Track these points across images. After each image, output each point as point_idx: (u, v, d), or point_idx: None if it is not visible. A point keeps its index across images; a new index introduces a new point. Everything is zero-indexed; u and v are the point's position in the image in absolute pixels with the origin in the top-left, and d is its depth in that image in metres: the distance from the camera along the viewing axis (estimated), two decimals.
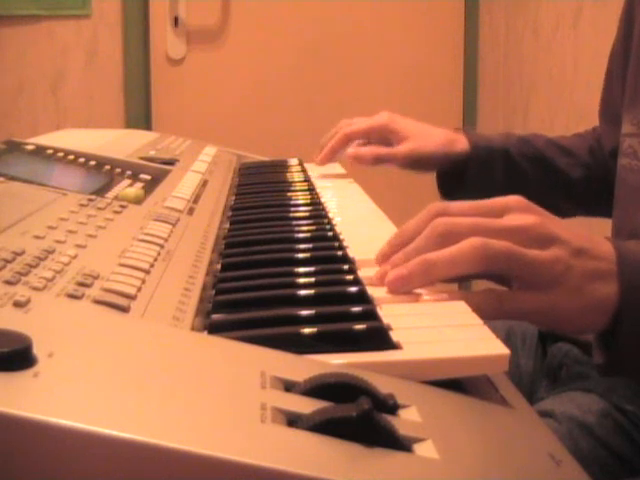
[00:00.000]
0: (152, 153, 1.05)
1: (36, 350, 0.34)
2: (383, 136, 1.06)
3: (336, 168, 1.14)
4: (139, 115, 2.42)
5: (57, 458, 0.30)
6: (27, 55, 2.31)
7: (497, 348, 0.45)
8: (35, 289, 0.43)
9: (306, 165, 1.14)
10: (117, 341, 0.40)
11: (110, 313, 0.44)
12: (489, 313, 0.52)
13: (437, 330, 0.48)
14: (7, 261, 0.47)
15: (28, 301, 0.41)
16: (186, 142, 1.22)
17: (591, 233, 0.60)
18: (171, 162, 0.99)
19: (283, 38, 2.50)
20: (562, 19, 1.95)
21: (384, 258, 0.59)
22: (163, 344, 0.41)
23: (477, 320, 0.49)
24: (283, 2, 2.49)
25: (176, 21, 2.43)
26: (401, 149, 1.03)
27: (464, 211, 0.58)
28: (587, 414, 0.80)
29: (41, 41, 2.32)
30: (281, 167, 1.14)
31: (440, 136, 1.04)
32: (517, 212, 0.57)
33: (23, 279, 0.44)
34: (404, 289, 0.54)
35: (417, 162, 1.03)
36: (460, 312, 0.51)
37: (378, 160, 1.03)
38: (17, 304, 0.40)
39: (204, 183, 0.92)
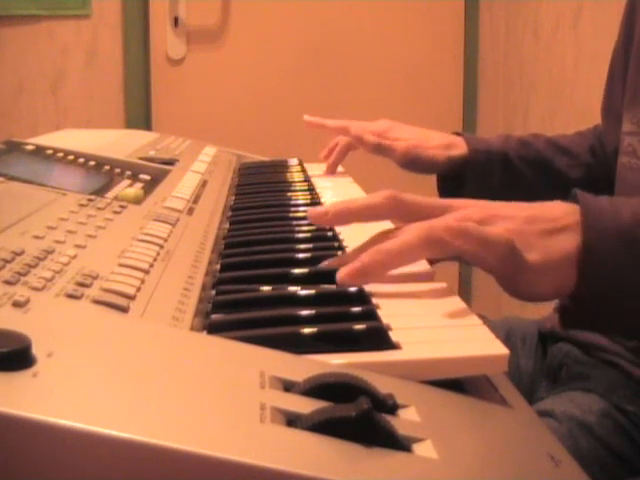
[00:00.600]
0: (152, 153, 1.05)
1: (35, 350, 0.34)
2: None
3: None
4: (139, 115, 2.42)
5: (56, 458, 0.30)
6: (27, 55, 2.31)
7: (496, 348, 0.45)
8: (34, 289, 0.43)
9: (306, 165, 1.14)
10: (116, 341, 0.40)
11: (109, 313, 0.44)
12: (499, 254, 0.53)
13: (437, 330, 0.48)
14: (7, 261, 0.47)
15: (27, 301, 0.41)
16: (186, 142, 1.22)
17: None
18: (171, 162, 0.99)
19: (283, 38, 2.50)
20: (562, 19, 1.95)
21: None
22: (162, 344, 0.41)
23: (477, 320, 0.49)
24: (283, 2, 2.49)
25: (176, 21, 2.43)
26: (401, 144, 1.03)
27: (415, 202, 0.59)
28: (587, 414, 0.80)
29: (41, 41, 2.32)
30: (281, 167, 1.14)
31: (439, 139, 1.05)
32: (459, 208, 0.58)
33: (22, 279, 0.44)
34: (360, 281, 0.54)
35: (415, 161, 1.03)
36: (460, 312, 0.51)
37: (378, 148, 1.04)
38: (16, 304, 0.40)
39: (204, 183, 0.92)
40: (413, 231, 0.54)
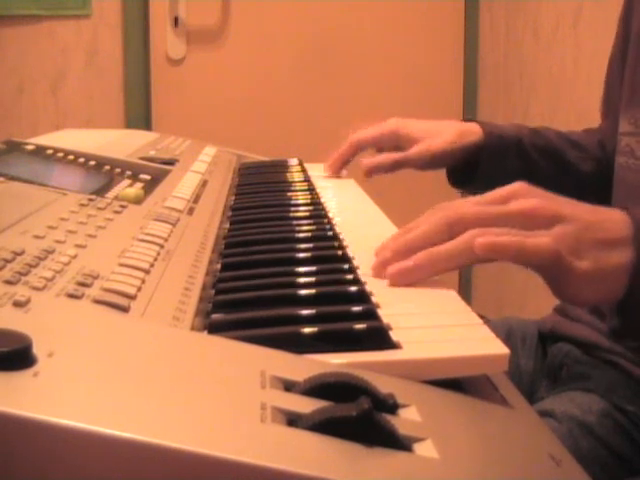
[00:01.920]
0: (152, 153, 1.05)
1: (36, 350, 0.34)
2: (394, 142, 1.05)
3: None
4: (139, 115, 2.42)
5: (57, 458, 0.30)
6: (27, 55, 2.31)
7: (497, 348, 0.45)
8: (35, 289, 0.43)
9: (306, 165, 1.13)
10: (117, 341, 0.40)
11: (110, 313, 0.44)
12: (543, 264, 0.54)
13: (437, 330, 0.48)
14: (7, 261, 0.47)
15: (28, 301, 0.41)
16: (186, 142, 1.22)
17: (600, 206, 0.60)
18: (171, 162, 0.99)
19: (283, 38, 2.50)
20: (562, 19, 1.95)
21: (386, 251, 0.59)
22: (163, 344, 0.41)
23: (477, 320, 0.49)
24: (283, 2, 2.49)
25: (176, 21, 2.43)
26: (414, 151, 1.01)
27: (470, 203, 0.59)
28: (587, 414, 0.80)
29: (41, 41, 2.32)
30: (281, 167, 1.14)
31: (451, 131, 1.03)
32: (521, 197, 0.58)
33: (23, 279, 0.44)
34: (407, 281, 0.55)
35: (432, 161, 1.02)
36: (460, 311, 0.51)
37: (396, 166, 1.02)
38: (17, 304, 0.40)
39: (204, 183, 0.92)
40: (467, 238, 0.55)
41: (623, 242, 0.57)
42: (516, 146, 1.03)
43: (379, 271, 0.57)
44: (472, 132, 1.03)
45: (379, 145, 1.07)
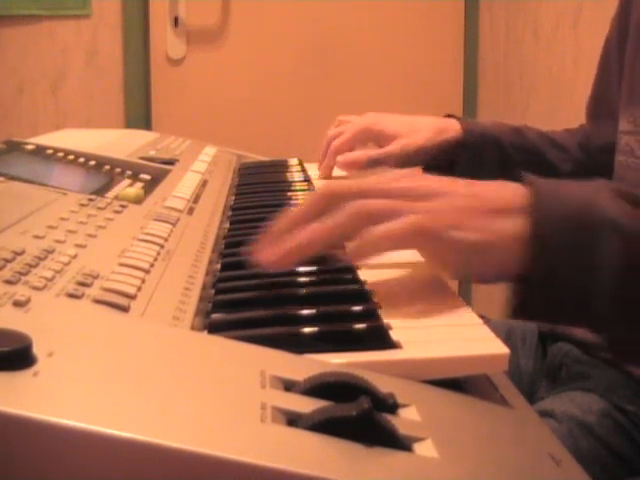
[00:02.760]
0: (152, 153, 1.05)
1: (36, 349, 0.34)
2: (370, 139, 1.04)
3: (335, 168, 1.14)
4: (139, 115, 2.42)
5: (57, 457, 0.30)
6: (27, 55, 2.31)
7: (497, 347, 0.45)
8: (35, 289, 0.43)
9: (306, 165, 1.13)
10: (117, 341, 0.40)
11: (110, 313, 0.44)
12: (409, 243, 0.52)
13: (437, 329, 0.48)
14: (7, 261, 0.47)
15: (28, 301, 0.41)
16: (186, 142, 1.22)
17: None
18: (171, 162, 0.99)
19: (283, 38, 2.50)
20: (562, 19, 1.95)
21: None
22: (163, 344, 0.41)
23: (477, 319, 0.49)
24: (283, 2, 2.49)
25: (176, 21, 2.43)
26: (391, 149, 1.01)
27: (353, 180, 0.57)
28: (587, 414, 0.80)
29: (41, 41, 2.32)
30: (281, 167, 1.14)
31: (429, 127, 1.02)
32: (405, 178, 0.56)
33: (23, 279, 0.44)
34: (286, 264, 0.53)
35: (408, 159, 1.01)
36: (460, 312, 0.51)
37: (371, 163, 1.02)
38: (17, 304, 0.40)
39: (204, 183, 0.92)
40: (347, 208, 0.52)
41: (515, 211, 0.52)
42: (495, 144, 1.02)
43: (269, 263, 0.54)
44: (451, 129, 1.02)
45: (357, 145, 1.05)
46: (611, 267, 0.50)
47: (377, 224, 0.51)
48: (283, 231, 0.55)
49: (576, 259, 0.51)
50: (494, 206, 0.53)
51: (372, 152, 1.02)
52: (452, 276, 0.55)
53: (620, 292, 0.51)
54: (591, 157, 1.03)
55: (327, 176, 1.06)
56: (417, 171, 0.55)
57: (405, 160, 1.01)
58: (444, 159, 1.02)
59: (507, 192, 0.54)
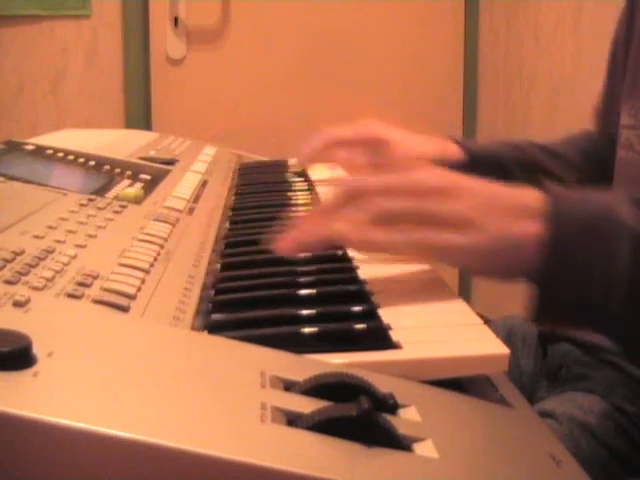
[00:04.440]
0: (152, 153, 1.05)
1: (36, 350, 0.34)
2: (370, 145, 1.02)
3: (336, 168, 1.13)
4: (139, 115, 2.42)
5: (57, 457, 0.30)
6: (27, 55, 2.31)
7: (497, 348, 0.45)
8: (35, 289, 0.43)
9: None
10: (117, 341, 0.40)
11: (110, 313, 0.44)
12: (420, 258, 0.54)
13: (437, 330, 0.48)
14: (7, 261, 0.47)
15: (28, 301, 0.41)
16: (186, 142, 1.22)
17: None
18: (171, 162, 0.99)
19: (283, 38, 2.50)
20: (562, 19, 1.95)
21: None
22: (163, 344, 0.41)
23: (477, 320, 0.49)
24: (283, 2, 2.49)
25: (176, 21, 2.43)
26: (395, 156, 1.00)
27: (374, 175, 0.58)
28: (588, 415, 0.80)
29: (41, 41, 2.32)
30: (281, 167, 1.14)
31: (431, 141, 1.01)
32: (424, 171, 0.57)
33: (23, 279, 0.44)
34: (302, 249, 0.56)
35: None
36: (460, 312, 0.51)
37: (373, 170, 1.01)
38: (17, 304, 0.40)
39: (204, 183, 0.92)
40: (364, 209, 0.54)
41: (532, 214, 0.53)
42: (497, 165, 1.01)
43: (289, 249, 0.57)
44: (450, 148, 1.01)
45: (354, 145, 1.04)
46: (627, 272, 0.51)
47: (399, 223, 0.53)
48: (304, 223, 0.57)
49: (593, 264, 0.52)
50: (513, 207, 0.54)
51: (378, 160, 1.01)
52: (471, 274, 0.57)
53: (636, 297, 0.51)
54: (594, 163, 1.02)
55: (307, 159, 1.01)
56: (429, 164, 0.56)
57: None
58: None
59: (525, 195, 0.55)
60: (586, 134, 1.07)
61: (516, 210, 0.54)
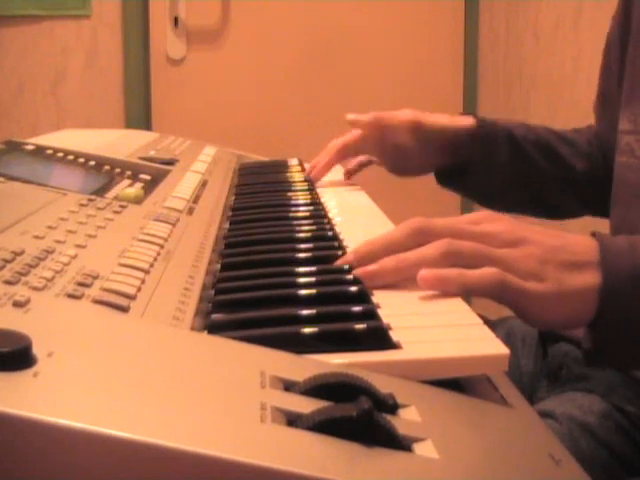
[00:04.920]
0: (152, 153, 1.05)
1: (36, 350, 0.34)
2: (378, 133, 1.01)
3: (336, 169, 1.13)
4: (139, 115, 2.42)
5: (57, 458, 0.30)
6: (27, 55, 2.32)
7: (497, 348, 0.45)
8: (35, 289, 0.43)
9: (306, 165, 1.13)
10: (117, 341, 0.40)
11: (110, 313, 0.44)
12: (489, 294, 0.54)
13: (437, 330, 0.48)
14: (7, 261, 0.47)
15: (28, 301, 0.41)
16: (186, 142, 1.22)
17: (568, 232, 0.61)
18: (171, 162, 0.99)
19: (283, 38, 2.50)
20: (562, 19, 1.95)
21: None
22: (163, 344, 0.41)
23: (477, 320, 0.49)
24: (283, 2, 2.49)
25: (176, 21, 2.43)
26: (402, 116, 0.99)
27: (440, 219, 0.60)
28: (588, 415, 0.80)
29: (41, 41, 2.32)
30: (281, 167, 1.14)
31: (443, 115, 1.01)
32: (488, 222, 0.60)
33: (23, 279, 0.44)
34: (372, 284, 0.55)
35: (420, 135, 0.98)
36: (460, 312, 0.51)
37: (377, 122, 0.99)
38: (17, 304, 0.40)
39: (204, 183, 0.92)
40: (438, 245, 0.56)
41: (589, 265, 0.57)
42: (507, 137, 1.01)
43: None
44: (463, 118, 1.01)
45: (363, 142, 1.03)
46: None
47: (463, 264, 0.55)
48: (373, 255, 0.58)
49: None
50: (569, 258, 0.57)
51: (384, 114, 1.00)
52: (527, 323, 0.59)
53: None
54: (600, 157, 1.02)
55: (320, 175, 1.02)
56: (490, 213, 0.60)
57: (417, 136, 0.99)
58: (455, 163, 1.01)
59: (579, 245, 0.59)
60: (590, 128, 1.07)
61: (572, 262, 0.57)
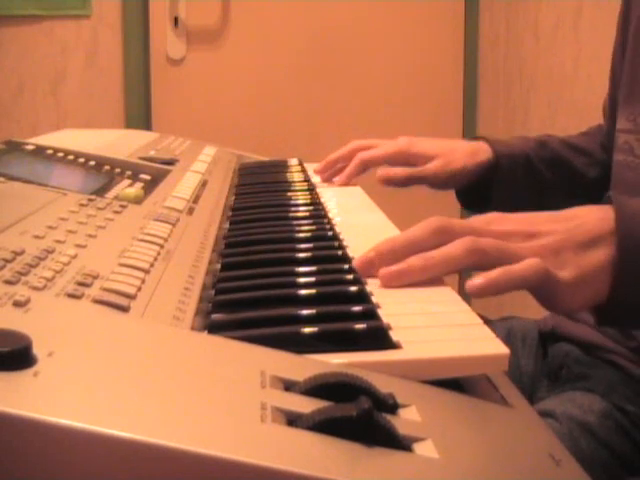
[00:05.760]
0: (152, 153, 1.05)
1: (36, 349, 0.34)
2: (405, 161, 1.03)
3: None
4: (139, 115, 2.42)
5: (57, 457, 0.30)
6: (27, 55, 2.31)
7: (497, 347, 0.45)
8: (35, 289, 0.43)
9: (306, 165, 1.13)
10: (117, 341, 0.40)
11: (110, 313, 0.44)
12: (533, 284, 0.55)
13: (437, 329, 0.48)
14: (7, 261, 0.47)
15: (28, 301, 0.41)
16: (186, 142, 1.22)
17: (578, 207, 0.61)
18: (171, 162, 0.99)
19: (283, 38, 2.50)
20: (562, 19, 1.95)
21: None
22: (163, 344, 0.41)
23: (477, 319, 0.49)
24: (283, 2, 2.49)
25: (176, 21, 2.43)
26: (432, 167, 1.00)
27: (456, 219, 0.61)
28: (588, 414, 0.80)
29: (41, 41, 2.32)
30: (281, 167, 1.14)
31: (464, 148, 1.02)
32: (498, 221, 0.61)
33: (23, 279, 0.44)
34: (399, 283, 0.55)
35: (448, 179, 1.01)
36: (460, 312, 0.51)
37: (410, 180, 1.01)
38: (17, 304, 0.40)
39: (204, 183, 0.92)
40: (462, 243, 0.56)
41: (602, 239, 0.58)
42: (524, 164, 1.02)
43: (362, 270, 0.58)
44: (482, 150, 1.02)
45: (388, 164, 1.04)
46: None
47: (487, 262, 0.55)
48: (394, 253, 0.58)
49: None
50: (583, 238, 0.58)
51: (412, 170, 1.01)
52: (552, 311, 0.60)
53: None
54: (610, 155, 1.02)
55: (343, 184, 1.03)
56: (498, 214, 0.61)
57: (444, 180, 1.01)
58: (476, 183, 1.02)
59: (592, 219, 0.59)
60: (600, 128, 1.07)
61: (586, 242, 0.58)
